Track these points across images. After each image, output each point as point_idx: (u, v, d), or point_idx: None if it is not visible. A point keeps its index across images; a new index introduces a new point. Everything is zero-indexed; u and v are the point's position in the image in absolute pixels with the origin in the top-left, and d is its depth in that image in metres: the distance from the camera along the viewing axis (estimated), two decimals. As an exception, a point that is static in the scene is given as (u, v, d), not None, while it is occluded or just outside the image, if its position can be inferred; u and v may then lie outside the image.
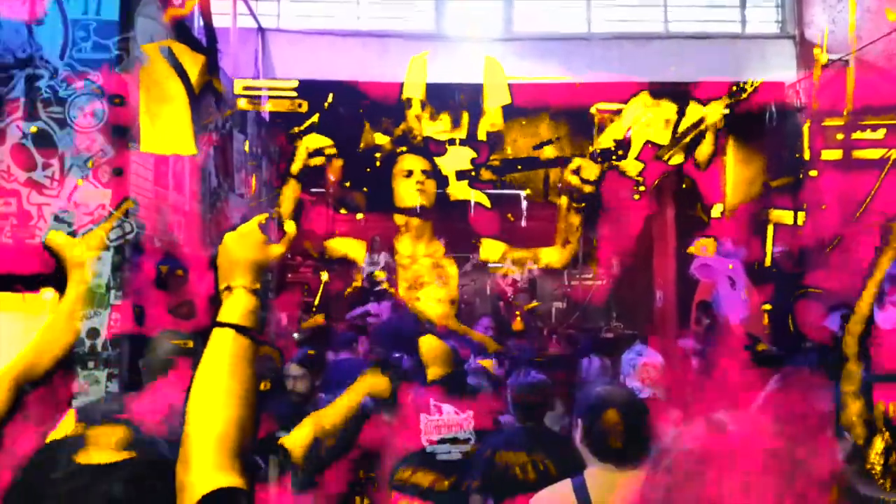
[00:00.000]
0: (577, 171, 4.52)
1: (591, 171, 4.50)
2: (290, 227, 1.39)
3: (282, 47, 7.04)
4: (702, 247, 5.78)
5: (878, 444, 1.73)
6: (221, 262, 1.27)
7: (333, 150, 4.58)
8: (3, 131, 3.46)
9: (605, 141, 5.15)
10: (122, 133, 3.57)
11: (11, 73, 3.50)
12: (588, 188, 4.48)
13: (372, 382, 2.19)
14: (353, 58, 6.89)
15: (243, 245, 1.27)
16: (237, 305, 1.22)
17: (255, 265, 1.26)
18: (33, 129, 3.45)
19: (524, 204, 9.50)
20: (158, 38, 3.88)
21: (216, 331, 1.20)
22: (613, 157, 4.85)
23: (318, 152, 4.57)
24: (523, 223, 9.23)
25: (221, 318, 1.21)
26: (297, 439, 1.99)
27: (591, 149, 5.62)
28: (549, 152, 4.90)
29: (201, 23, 5.20)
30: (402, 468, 2.48)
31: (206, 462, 1.07)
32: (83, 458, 1.66)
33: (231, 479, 1.06)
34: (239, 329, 1.19)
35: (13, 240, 3.38)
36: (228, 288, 1.25)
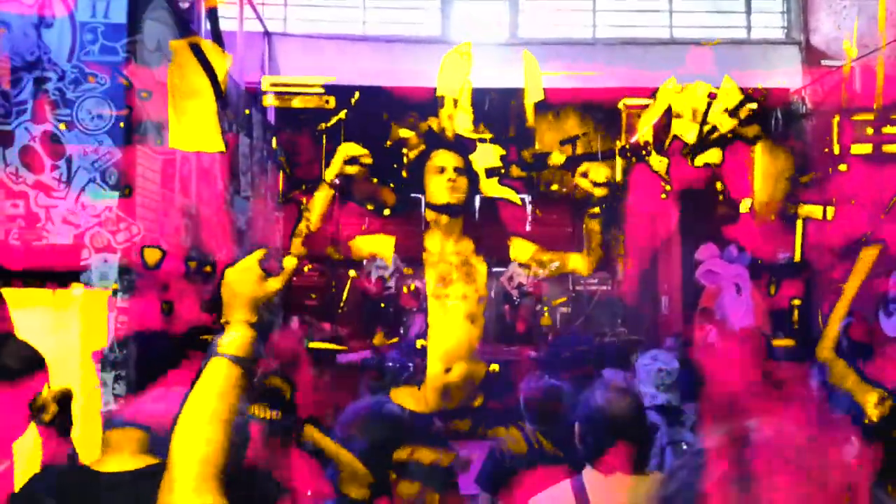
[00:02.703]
0: (584, 175, 4.45)
1: (599, 173, 4.42)
2: (289, 262, 1.42)
3: (288, 52, 7.06)
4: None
5: (873, 398, 1.84)
6: (223, 296, 1.34)
7: (369, 160, 4.54)
8: (11, 133, 3.47)
9: (644, 125, 5.09)
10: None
11: (20, 75, 3.51)
12: (599, 191, 4.40)
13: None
14: (360, 62, 6.91)
15: (241, 281, 1.33)
16: (234, 337, 1.29)
17: (253, 301, 1.32)
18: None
19: (528, 208, 9.50)
20: (165, 43, 3.89)
21: (213, 360, 1.26)
22: (644, 152, 4.78)
23: (353, 160, 4.54)
24: (527, 227, 9.23)
25: (219, 348, 1.27)
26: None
27: (619, 144, 5.55)
28: (556, 158, 4.84)
29: (208, 26, 5.22)
30: (399, 450, 2.49)
31: (188, 484, 1.13)
32: (101, 465, 1.67)
33: (212, 500, 1.13)
34: (234, 360, 1.25)
35: (21, 242, 3.38)
36: (227, 322, 1.32)
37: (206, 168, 4.56)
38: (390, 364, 4.52)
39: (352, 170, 4.40)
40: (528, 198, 8.87)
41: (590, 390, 2.16)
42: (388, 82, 6.78)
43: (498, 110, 5.33)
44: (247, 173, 5.52)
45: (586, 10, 7.76)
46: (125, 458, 1.67)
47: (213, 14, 4.36)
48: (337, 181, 4.41)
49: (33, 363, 1.89)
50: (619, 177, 4.78)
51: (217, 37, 4.40)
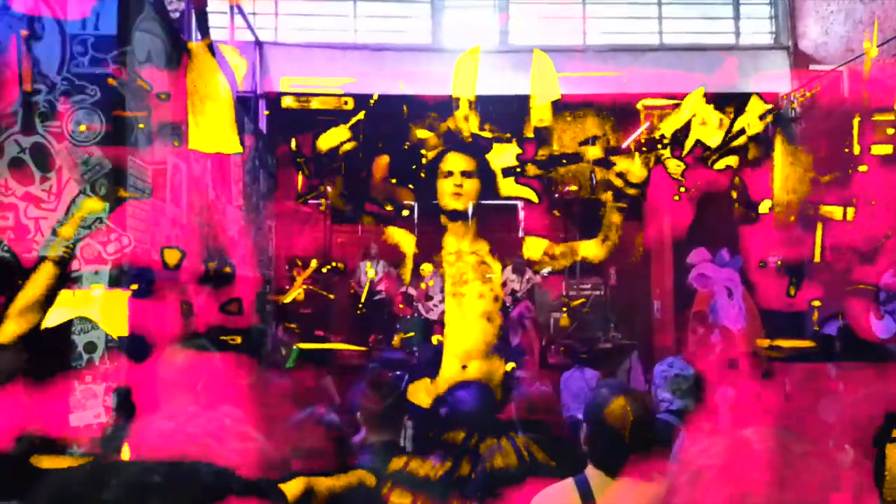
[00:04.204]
0: (622, 175, 4.49)
1: (637, 173, 4.47)
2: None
3: (279, 61, 7.08)
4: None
5: None
6: None
7: (351, 145, 4.59)
8: (1, 146, 3.47)
9: (666, 128, 5.12)
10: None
11: (9, 87, 3.51)
12: (632, 191, 4.45)
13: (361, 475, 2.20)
14: (351, 71, 6.92)
15: None
16: None
17: None
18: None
19: (521, 214, 9.52)
20: (156, 53, 3.90)
21: None
22: (660, 146, 4.81)
23: (333, 150, 4.59)
24: (520, 233, 9.25)
25: None
26: (290, 488, 1.97)
27: (641, 139, 5.57)
28: (594, 152, 4.86)
29: (198, 36, 5.23)
30: (395, 459, 2.49)
31: None
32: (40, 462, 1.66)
33: None
34: None
35: (9, 254, 3.37)
36: None
37: (198, 177, 4.56)
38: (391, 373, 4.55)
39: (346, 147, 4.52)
40: (520, 204, 8.90)
41: (599, 394, 2.12)
42: (379, 90, 6.81)
43: (511, 110, 5.35)
44: (238, 183, 5.52)
45: (576, 18, 7.80)
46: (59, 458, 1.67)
47: (202, 17, 4.39)
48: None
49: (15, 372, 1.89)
50: (641, 173, 4.81)
51: (206, 36, 4.44)
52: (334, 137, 4.77)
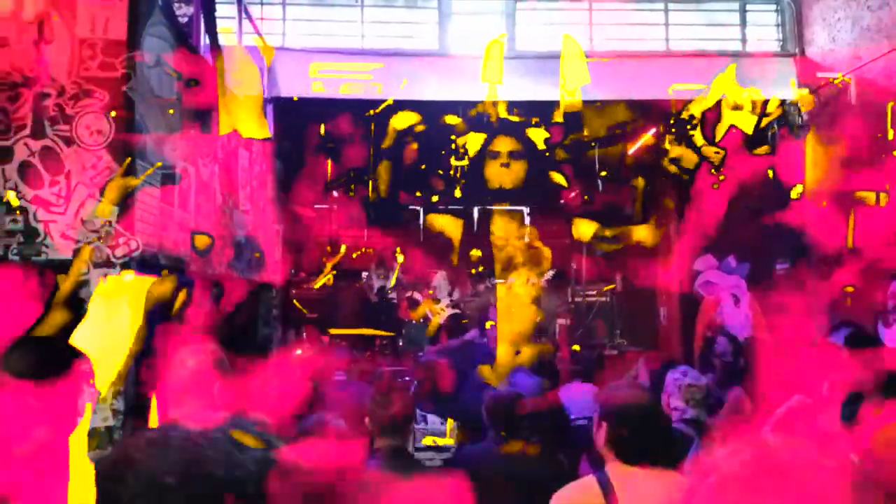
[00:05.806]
0: (676, 161, 4.52)
1: (691, 160, 4.49)
2: None
3: (287, 65, 7.09)
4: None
5: None
6: None
7: (422, 127, 4.65)
8: (11, 149, 3.48)
9: (694, 110, 5.10)
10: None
11: (19, 91, 3.53)
12: (686, 176, 4.49)
13: None
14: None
15: None
16: None
17: None
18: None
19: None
20: (165, 57, 3.92)
21: None
22: (689, 127, 4.82)
23: (408, 130, 4.65)
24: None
25: None
26: None
27: (671, 121, 5.55)
28: (642, 138, 4.86)
29: (207, 41, 5.26)
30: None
31: None
32: None
33: None
34: None
35: (20, 257, 3.39)
36: None
37: (206, 181, 4.58)
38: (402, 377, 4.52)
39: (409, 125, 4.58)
40: (525, 209, 8.88)
41: (608, 391, 2.23)
42: (386, 95, 6.81)
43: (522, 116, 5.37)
44: (246, 187, 5.53)
45: (583, 24, 7.81)
46: None
47: (210, 15, 4.44)
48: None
49: (60, 363, 1.90)
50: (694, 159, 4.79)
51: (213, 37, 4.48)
52: (408, 118, 4.82)
